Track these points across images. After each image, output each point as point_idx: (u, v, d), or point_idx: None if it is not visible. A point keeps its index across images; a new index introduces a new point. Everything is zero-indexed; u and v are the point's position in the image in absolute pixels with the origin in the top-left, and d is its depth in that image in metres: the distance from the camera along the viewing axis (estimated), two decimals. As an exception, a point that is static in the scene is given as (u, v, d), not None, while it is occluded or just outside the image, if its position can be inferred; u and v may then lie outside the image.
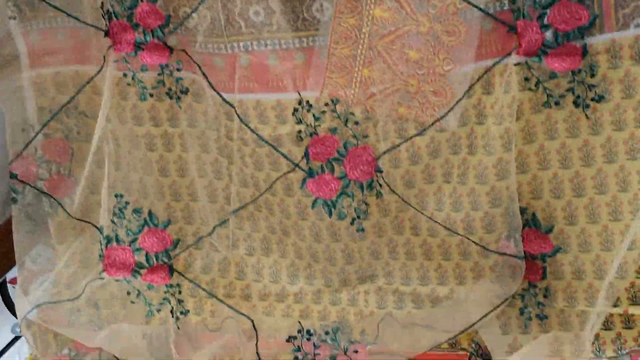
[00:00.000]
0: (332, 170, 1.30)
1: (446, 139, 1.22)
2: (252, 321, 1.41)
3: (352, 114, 1.24)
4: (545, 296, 1.29)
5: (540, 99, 1.18)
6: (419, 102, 1.19)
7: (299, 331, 1.39)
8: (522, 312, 1.31)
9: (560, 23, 1.13)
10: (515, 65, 1.15)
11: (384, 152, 1.25)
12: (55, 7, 1.36)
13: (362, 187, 1.30)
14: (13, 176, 1.43)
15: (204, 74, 1.30)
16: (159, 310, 1.45)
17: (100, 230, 1.43)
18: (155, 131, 1.37)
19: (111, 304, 1.43)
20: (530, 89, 1.17)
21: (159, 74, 1.34)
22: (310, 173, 1.31)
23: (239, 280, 1.46)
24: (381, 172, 1.27)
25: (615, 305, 1.23)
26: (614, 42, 1.11)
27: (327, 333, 1.38)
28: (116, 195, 1.42)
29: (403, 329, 1.37)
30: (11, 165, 1.43)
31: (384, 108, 1.21)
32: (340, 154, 1.29)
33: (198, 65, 1.30)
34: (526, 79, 1.17)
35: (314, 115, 1.25)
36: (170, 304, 1.45)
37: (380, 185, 1.29)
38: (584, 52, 1.13)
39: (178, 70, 1.33)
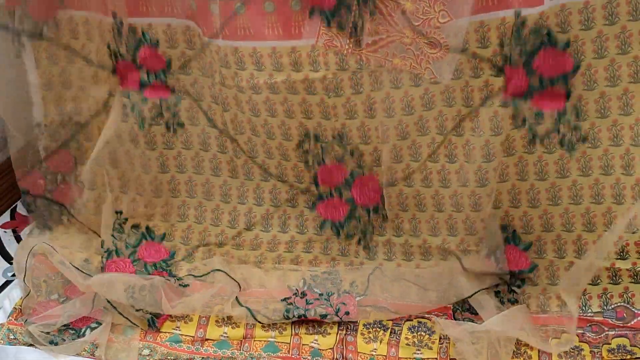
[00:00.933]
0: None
1: (440, 92, 1.22)
2: (239, 284, 1.41)
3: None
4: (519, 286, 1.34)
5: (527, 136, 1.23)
6: (414, 54, 1.18)
7: (295, 294, 1.39)
8: (497, 294, 1.34)
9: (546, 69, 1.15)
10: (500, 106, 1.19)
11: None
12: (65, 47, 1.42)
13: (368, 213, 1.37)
14: (24, 192, 1.51)
15: (200, 107, 1.38)
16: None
17: (101, 244, 1.47)
18: None
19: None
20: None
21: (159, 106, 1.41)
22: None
23: (231, 228, 1.47)
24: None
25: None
26: None
27: (320, 295, 1.39)
28: (116, 212, 1.47)
29: (392, 282, 1.38)
30: (20, 182, 1.49)
31: (378, 58, 1.20)
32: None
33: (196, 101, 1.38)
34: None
35: None
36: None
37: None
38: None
39: (175, 105, 1.40)
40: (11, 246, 1.53)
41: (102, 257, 1.46)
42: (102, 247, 1.47)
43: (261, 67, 1.25)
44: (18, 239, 1.56)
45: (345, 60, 1.22)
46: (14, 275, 1.48)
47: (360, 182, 1.36)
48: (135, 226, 1.49)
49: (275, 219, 1.44)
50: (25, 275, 1.42)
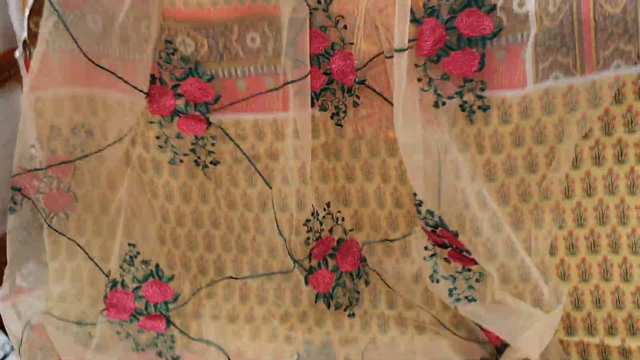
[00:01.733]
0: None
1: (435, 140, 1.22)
2: (228, 357, 1.42)
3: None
4: None
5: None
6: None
7: None
8: None
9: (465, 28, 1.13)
10: None
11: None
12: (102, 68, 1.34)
13: None
14: (16, 189, 1.42)
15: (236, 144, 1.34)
16: (143, 350, 1.45)
17: (107, 274, 1.46)
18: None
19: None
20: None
21: (192, 143, 1.37)
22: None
23: (226, 302, 1.48)
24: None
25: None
26: (594, 83, 1.12)
27: None
28: (129, 244, 1.44)
29: (385, 358, 1.39)
30: (15, 178, 1.42)
31: (373, 130, 1.25)
32: None
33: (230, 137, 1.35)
34: None
35: None
36: (157, 346, 1.46)
37: None
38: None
39: (212, 144, 1.36)
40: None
41: (106, 287, 1.46)
42: (108, 276, 1.46)
43: (262, 137, 1.29)
44: (17, 313, 1.55)
45: (343, 128, 1.26)
46: (12, 348, 1.48)
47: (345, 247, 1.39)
48: (145, 262, 1.46)
49: (272, 290, 1.45)
50: (20, 346, 1.42)
